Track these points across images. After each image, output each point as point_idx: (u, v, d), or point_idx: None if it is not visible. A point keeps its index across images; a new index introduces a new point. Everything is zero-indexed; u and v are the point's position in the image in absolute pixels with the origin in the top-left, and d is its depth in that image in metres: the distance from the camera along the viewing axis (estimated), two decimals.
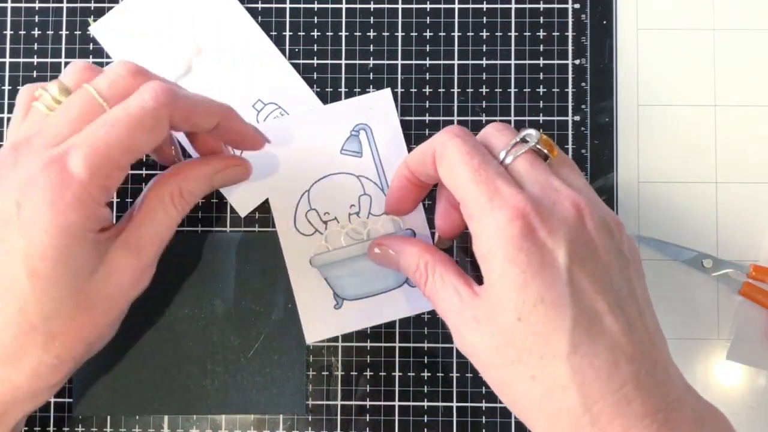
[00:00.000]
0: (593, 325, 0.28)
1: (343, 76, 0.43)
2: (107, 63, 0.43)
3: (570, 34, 0.43)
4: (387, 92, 0.42)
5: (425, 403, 0.41)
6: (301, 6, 0.43)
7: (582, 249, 0.29)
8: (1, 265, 0.29)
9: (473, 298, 0.31)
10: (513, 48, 0.43)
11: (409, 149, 0.42)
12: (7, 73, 0.43)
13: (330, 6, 0.43)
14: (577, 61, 0.43)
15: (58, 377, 0.32)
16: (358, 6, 0.43)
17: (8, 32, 0.43)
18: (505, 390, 0.30)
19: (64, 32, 0.43)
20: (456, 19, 0.43)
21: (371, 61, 0.43)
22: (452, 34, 0.43)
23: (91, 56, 0.43)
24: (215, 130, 0.35)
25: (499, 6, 0.43)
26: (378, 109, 0.42)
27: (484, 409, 0.41)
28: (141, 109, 0.30)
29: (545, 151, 0.32)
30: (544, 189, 0.30)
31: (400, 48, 0.43)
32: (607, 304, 0.28)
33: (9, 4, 0.43)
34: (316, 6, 0.43)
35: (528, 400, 0.29)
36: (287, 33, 0.43)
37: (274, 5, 0.43)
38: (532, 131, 0.32)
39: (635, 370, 0.28)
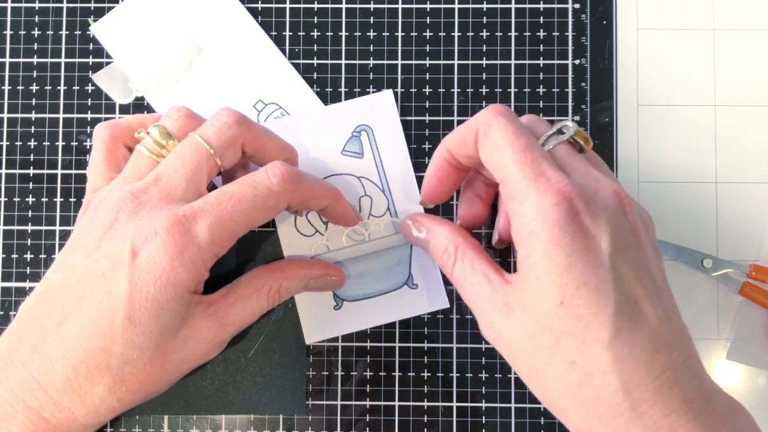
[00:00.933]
0: (634, 312, 0.28)
1: (343, 76, 0.43)
2: (107, 63, 0.43)
3: (570, 34, 0.43)
4: (388, 93, 0.42)
5: (425, 403, 0.41)
6: (301, 6, 0.43)
7: (623, 237, 0.29)
8: (99, 303, 0.30)
9: (504, 284, 0.31)
10: (513, 48, 0.43)
11: (410, 150, 0.42)
12: (7, 73, 0.43)
13: (330, 6, 0.43)
14: (577, 61, 0.43)
15: (110, 417, 0.33)
16: (358, 6, 0.43)
17: (8, 32, 0.43)
18: (538, 377, 0.30)
19: (64, 32, 0.43)
20: (456, 19, 0.43)
21: (371, 61, 0.43)
22: (452, 34, 0.43)
23: (91, 56, 0.43)
24: (322, 210, 0.37)
25: (499, 6, 0.43)
26: (379, 110, 0.42)
27: (484, 409, 0.41)
28: (268, 190, 0.32)
29: (581, 143, 0.32)
30: (585, 177, 0.30)
31: (400, 48, 0.43)
32: (647, 293, 0.28)
33: (9, 4, 0.43)
34: (316, 6, 0.43)
35: (564, 385, 0.28)
36: (287, 33, 0.43)
37: (274, 5, 0.43)
38: (569, 123, 0.32)
39: (673, 358, 0.28)
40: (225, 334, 0.34)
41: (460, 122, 0.42)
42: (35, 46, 0.43)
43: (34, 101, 0.43)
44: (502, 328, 0.30)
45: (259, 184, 0.32)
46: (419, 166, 0.42)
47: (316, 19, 0.43)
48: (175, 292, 0.31)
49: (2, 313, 0.42)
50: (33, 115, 0.43)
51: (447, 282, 0.41)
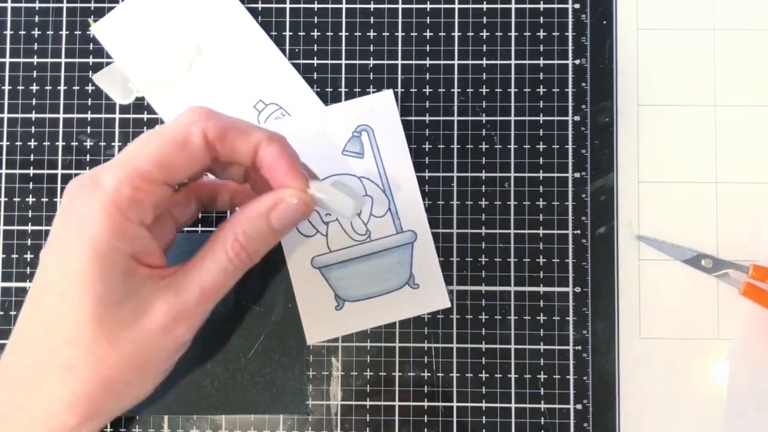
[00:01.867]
0: None
1: (343, 76, 0.43)
2: (107, 63, 0.43)
3: (570, 34, 0.43)
4: (389, 93, 0.42)
5: (425, 403, 0.41)
6: (301, 6, 0.43)
7: None
8: (34, 287, 0.30)
9: None
10: (513, 48, 0.43)
11: (410, 150, 0.42)
12: (7, 73, 0.43)
13: (330, 6, 0.43)
14: (577, 61, 0.43)
15: (74, 420, 0.29)
16: (358, 6, 0.43)
17: (8, 32, 0.43)
18: None
19: (64, 32, 0.43)
20: (456, 19, 0.43)
21: (371, 61, 0.43)
22: (452, 34, 0.43)
23: (91, 56, 0.43)
24: (258, 165, 0.32)
25: (499, 6, 0.43)
26: (380, 110, 0.42)
27: (484, 409, 0.41)
28: (174, 124, 0.30)
29: None
30: None
31: (400, 48, 0.43)
32: None
33: (9, 4, 0.43)
34: (316, 6, 0.43)
35: None
36: (287, 33, 0.43)
37: (274, 5, 0.43)
38: None
39: None
40: (183, 303, 0.30)
41: (460, 122, 0.42)
42: (35, 46, 0.43)
43: (34, 101, 0.43)
44: None
45: (168, 123, 0.30)
46: (419, 166, 0.42)
47: (316, 19, 0.43)
48: (96, 251, 0.28)
49: (2, 313, 0.42)
50: (33, 115, 0.43)
51: (448, 282, 0.41)
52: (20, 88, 0.43)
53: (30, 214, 0.42)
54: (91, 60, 0.43)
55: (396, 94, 0.43)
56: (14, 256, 0.42)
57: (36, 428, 0.29)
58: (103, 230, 0.28)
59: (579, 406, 0.41)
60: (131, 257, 0.29)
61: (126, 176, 0.29)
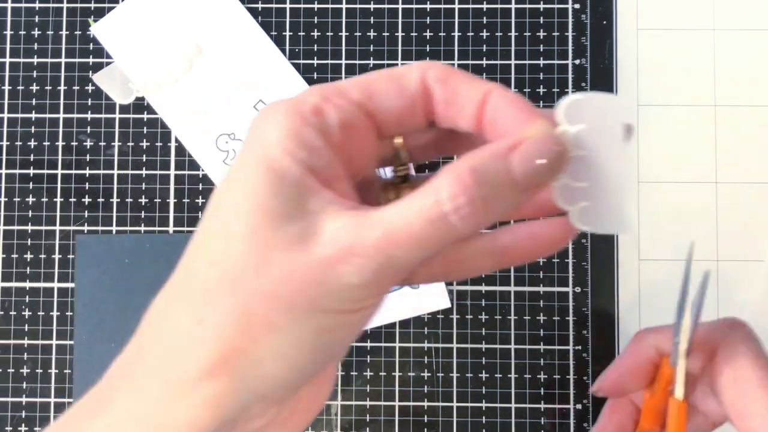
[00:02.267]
0: None
1: (343, 76, 0.43)
2: (107, 63, 0.43)
3: (570, 34, 0.43)
4: None
5: (425, 403, 0.41)
6: (301, 6, 0.43)
7: None
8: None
9: None
10: (513, 48, 0.43)
11: None
12: (7, 73, 0.43)
13: (330, 6, 0.43)
14: (577, 61, 0.43)
15: (196, 366, 0.21)
16: (358, 6, 0.43)
17: (8, 32, 0.43)
18: None
19: (64, 32, 0.43)
20: (456, 19, 0.43)
21: (371, 61, 0.43)
22: (452, 34, 0.43)
23: (91, 56, 0.43)
24: (487, 120, 0.23)
25: (499, 6, 0.43)
26: None
27: (484, 409, 0.41)
28: (400, 71, 0.24)
29: None
30: None
31: (400, 48, 0.43)
32: None
33: (9, 4, 0.43)
34: (316, 6, 0.43)
35: None
36: (287, 33, 0.43)
37: (274, 5, 0.43)
38: None
39: None
40: (357, 240, 0.21)
41: None
42: (35, 46, 0.43)
43: (34, 101, 0.43)
44: None
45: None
46: (419, 166, 0.42)
47: (316, 19, 0.43)
48: (265, 151, 0.22)
49: (2, 313, 0.42)
50: (33, 115, 0.43)
51: (448, 282, 0.41)
52: (20, 88, 0.43)
53: (30, 214, 0.42)
54: (91, 60, 0.43)
55: None
56: (14, 256, 0.42)
57: (153, 377, 0.22)
58: (277, 129, 0.22)
59: (579, 406, 0.41)
60: (308, 170, 0.22)
61: (318, 88, 0.23)
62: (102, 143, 0.43)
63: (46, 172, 0.43)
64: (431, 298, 0.41)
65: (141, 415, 0.21)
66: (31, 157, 0.43)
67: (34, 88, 0.43)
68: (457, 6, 0.43)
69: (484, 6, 0.43)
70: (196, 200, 0.42)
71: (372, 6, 0.43)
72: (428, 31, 0.43)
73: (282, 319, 0.21)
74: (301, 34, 0.43)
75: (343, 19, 0.43)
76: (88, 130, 0.43)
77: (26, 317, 0.42)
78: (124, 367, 0.24)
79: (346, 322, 0.22)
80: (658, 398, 0.29)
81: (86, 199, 0.42)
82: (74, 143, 0.43)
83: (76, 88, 0.43)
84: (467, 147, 0.24)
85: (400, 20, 0.43)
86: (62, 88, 0.43)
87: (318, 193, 0.22)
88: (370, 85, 0.23)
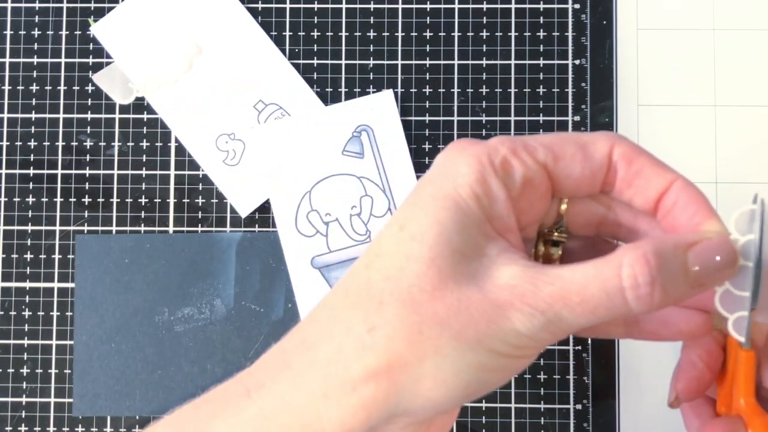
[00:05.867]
0: None
1: (343, 76, 0.43)
2: (107, 63, 0.43)
3: (570, 34, 0.43)
4: (389, 93, 0.42)
5: None
6: (301, 6, 0.43)
7: None
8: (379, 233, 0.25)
9: None
10: (513, 48, 0.43)
11: (410, 150, 0.42)
12: (7, 73, 0.43)
13: (330, 6, 0.43)
14: (577, 61, 0.43)
15: (359, 369, 0.23)
16: (358, 6, 0.43)
17: (8, 32, 0.43)
18: None
19: (64, 32, 0.43)
20: (456, 19, 0.43)
21: (371, 61, 0.43)
22: (452, 34, 0.43)
23: (91, 56, 0.43)
24: (664, 208, 0.26)
25: (499, 6, 0.43)
26: (379, 110, 0.42)
27: (484, 409, 0.41)
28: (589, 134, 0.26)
29: None
30: None
31: (400, 48, 0.43)
32: None
33: (9, 4, 0.43)
34: (316, 6, 0.43)
35: None
36: (287, 33, 0.43)
37: (274, 5, 0.43)
38: None
39: None
40: (534, 292, 0.22)
41: (460, 122, 0.42)
42: (35, 46, 0.43)
43: (34, 101, 0.43)
44: None
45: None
46: (419, 166, 0.42)
47: (316, 19, 0.43)
48: (455, 190, 0.23)
49: (2, 313, 0.42)
50: (33, 115, 0.43)
51: None
52: (20, 88, 0.43)
53: (30, 214, 0.42)
54: (91, 60, 0.43)
55: (396, 94, 0.43)
56: (14, 256, 0.42)
57: (314, 372, 0.23)
58: (468, 173, 0.24)
59: (579, 406, 0.41)
60: (489, 218, 0.24)
61: (508, 141, 0.24)
62: (102, 143, 0.43)
63: (46, 172, 0.43)
64: None
65: (295, 404, 0.23)
66: (31, 157, 0.43)
67: (34, 88, 0.43)
68: (457, 6, 0.43)
69: (484, 6, 0.43)
70: (196, 200, 0.42)
71: (372, 6, 0.43)
72: (428, 31, 0.43)
73: (449, 345, 0.22)
74: (301, 34, 0.43)
75: (343, 19, 0.43)
76: (88, 130, 0.43)
77: (26, 317, 0.42)
78: (285, 356, 0.25)
79: (503, 366, 0.23)
80: (728, 383, 0.28)
81: (86, 199, 0.42)
82: (74, 143, 0.43)
83: (76, 88, 0.43)
84: (627, 234, 0.27)
85: (400, 20, 0.43)
86: (62, 88, 0.43)
87: (495, 239, 0.24)
88: (556, 147, 0.25)
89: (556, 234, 0.27)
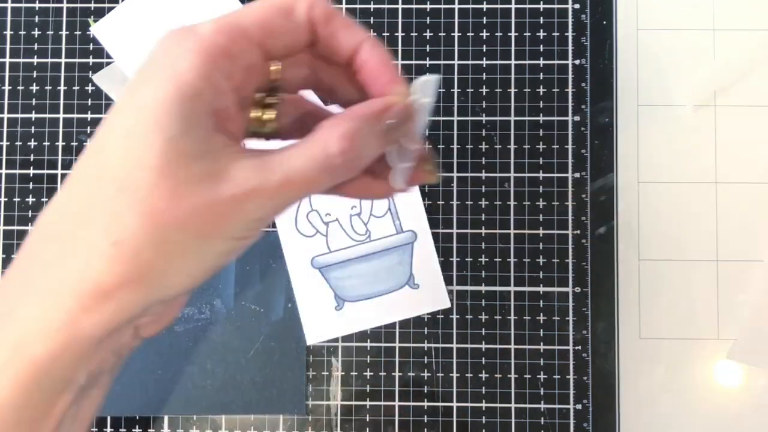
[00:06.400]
0: None
1: None
2: (107, 63, 0.43)
3: (570, 34, 0.43)
4: None
5: (425, 403, 0.41)
6: None
7: None
8: (98, 133, 0.25)
9: None
10: (513, 48, 0.43)
11: None
12: (7, 73, 0.43)
13: None
14: (577, 61, 0.43)
15: (111, 278, 0.24)
16: (358, 6, 0.43)
17: (8, 32, 0.43)
18: None
19: (64, 32, 0.43)
20: (456, 19, 0.43)
21: None
22: (452, 34, 0.43)
23: (91, 56, 0.43)
24: (357, 65, 0.28)
25: (499, 6, 0.43)
26: None
27: (484, 409, 0.41)
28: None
29: None
30: None
31: (400, 48, 0.43)
32: None
33: (9, 4, 0.43)
34: None
35: None
36: None
37: None
38: None
39: None
40: (264, 182, 0.25)
41: (460, 123, 0.42)
42: (35, 46, 0.43)
43: (34, 101, 0.43)
44: None
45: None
46: None
47: None
48: (178, 88, 0.24)
49: None
50: (33, 115, 0.43)
51: (448, 282, 0.41)
52: (20, 88, 0.43)
53: (30, 214, 0.42)
54: (91, 60, 0.43)
55: None
56: (14, 256, 0.42)
57: (65, 288, 0.24)
58: (190, 69, 0.24)
59: (579, 406, 0.41)
60: (213, 113, 0.26)
61: (224, 25, 0.26)
62: None
63: (46, 172, 0.43)
64: (431, 298, 0.41)
65: (55, 320, 0.24)
66: (31, 157, 0.43)
67: (34, 88, 0.43)
68: (457, 6, 0.43)
69: (484, 6, 0.43)
70: None
71: (372, 6, 0.43)
72: (428, 31, 0.43)
73: (194, 245, 0.25)
74: None
75: None
76: (88, 130, 0.43)
77: None
78: (28, 276, 0.25)
79: (240, 246, 0.26)
80: None
81: None
82: (74, 143, 0.43)
83: (76, 88, 0.43)
84: (329, 91, 0.31)
85: (400, 20, 0.43)
86: (62, 88, 0.43)
87: (216, 134, 0.25)
88: (267, 24, 0.27)
89: (269, 99, 0.29)
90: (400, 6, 0.43)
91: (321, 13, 0.28)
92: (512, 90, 0.42)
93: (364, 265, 0.41)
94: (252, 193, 0.25)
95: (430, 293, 0.41)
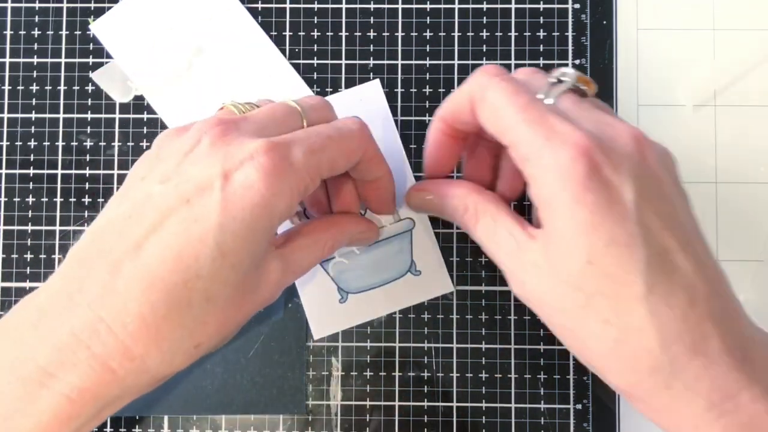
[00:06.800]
0: (666, 264, 0.26)
1: (343, 76, 0.43)
2: (107, 63, 0.43)
3: (570, 34, 0.43)
4: (376, 83, 0.42)
5: (425, 403, 0.41)
6: (301, 6, 0.43)
7: (647, 184, 0.27)
8: (185, 231, 0.26)
9: (530, 241, 0.29)
10: (513, 48, 0.43)
11: (410, 150, 0.42)
12: (7, 73, 0.43)
13: (330, 6, 0.43)
14: (577, 61, 0.43)
15: (182, 367, 0.28)
16: (358, 6, 0.43)
17: (8, 32, 0.43)
18: (573, 335, 0.28)
19: (64, 32, 0.43)
20: (456, 19, 0.43)
21: (371, 61, 0.43)
22: (452, 34, 0.43)
23: (91, 56, 0.43)
24: (365, 196, 0.36)
25: (499, 6, 0.43)
26: (368, 100, 0.42)
27: (484, 409, 0.41)
28: (350, 131, 0.31)
29: (584, 88, 0.30)
30: (598, 124, 0.28)
31: (400, 48, 0.43)
32: (677, 242, 0.27)
33: (9, 4, 0.43)
34: (316, 6, 0.43)
35: (600, 344, 0.27)
36: (287, 33, 0.43)
37: (274, 5, 0.43)
38: (568, 70, 0.30)
39: (711, 308, 0.27)
40: (287, 280, 0.31)
41: None
42: (35, 46, 0.43)
43: (34, 101, 0.43)
44: (533, 287, 0.29)
45: (342, 126, 0.31)
46: (419, 166, 0.42)
47: (316, 19, 0.43)
48: (270, 221, 0.27)
49: (2, 313, 0.42)
50: (33, 115, 0.43)
51: (449, 266, 0.41)
52: (20, 88, 0.43)
53: (30, 214, 0.42)
54: (91, 60, 0.43)
55: (396, 94, 0.43)
56: (14, 256, 0.42)
57: (144, 380, 0.27)
58: (286, 211, 0.28)
59: (579, 406, 0.41)
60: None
61: (313, 165, 0.29)
62: (102, 143, 0.43)
63: (46, 172, 0.43)
64: (435, 283, 0.41)
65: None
66: (31, 157, 0.43)
67: (34, 88, 0.43)
68: (457, 6, 0.43)
69: (484, 6, 0.43)
70: None
71: (372, 6, 0.43)
72: (428, 31, 0.43)
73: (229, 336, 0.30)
74: (301, 34, 0.43)
75: (343, 19, 0.43)
76: (88, 130, 0.43)
77: None
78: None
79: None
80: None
81: (86, 199, 0.42)
82: (74, 143, 0.43)
83: (76, 88, 0.43)
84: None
85: (400, 20, 0.43)
86: (62, 88, 0.43)
87: (270, 252, 0.30)
88: (334, 163, 0.30)
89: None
90: (400, 6, 0.43)
91: (369, 154, 0.33)
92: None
93: (364, 255, 0.41)
94: (279, 289, 0.31)
95: (432, 279, 0.41)
